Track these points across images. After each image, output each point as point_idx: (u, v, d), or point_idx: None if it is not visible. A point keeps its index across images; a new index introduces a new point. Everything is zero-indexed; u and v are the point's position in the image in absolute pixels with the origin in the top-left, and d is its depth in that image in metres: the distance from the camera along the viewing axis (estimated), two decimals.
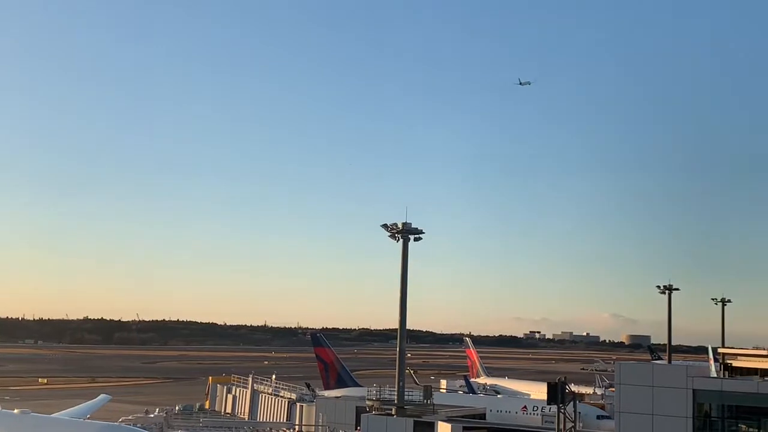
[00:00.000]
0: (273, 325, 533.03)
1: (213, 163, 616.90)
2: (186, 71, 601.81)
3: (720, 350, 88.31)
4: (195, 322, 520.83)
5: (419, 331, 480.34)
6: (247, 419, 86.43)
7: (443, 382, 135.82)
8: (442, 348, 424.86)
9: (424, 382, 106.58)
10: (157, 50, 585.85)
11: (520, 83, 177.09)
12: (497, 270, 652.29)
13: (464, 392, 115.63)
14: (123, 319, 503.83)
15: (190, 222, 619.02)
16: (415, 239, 71.32)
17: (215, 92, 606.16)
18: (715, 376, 75.12)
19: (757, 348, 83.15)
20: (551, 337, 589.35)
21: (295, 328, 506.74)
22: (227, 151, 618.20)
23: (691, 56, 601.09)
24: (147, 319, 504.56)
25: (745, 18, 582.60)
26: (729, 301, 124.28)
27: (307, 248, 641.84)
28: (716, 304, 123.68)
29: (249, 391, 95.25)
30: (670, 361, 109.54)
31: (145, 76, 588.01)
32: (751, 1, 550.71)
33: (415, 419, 67.33)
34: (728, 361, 79.02)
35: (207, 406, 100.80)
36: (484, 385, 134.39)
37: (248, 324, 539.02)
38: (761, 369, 72.87)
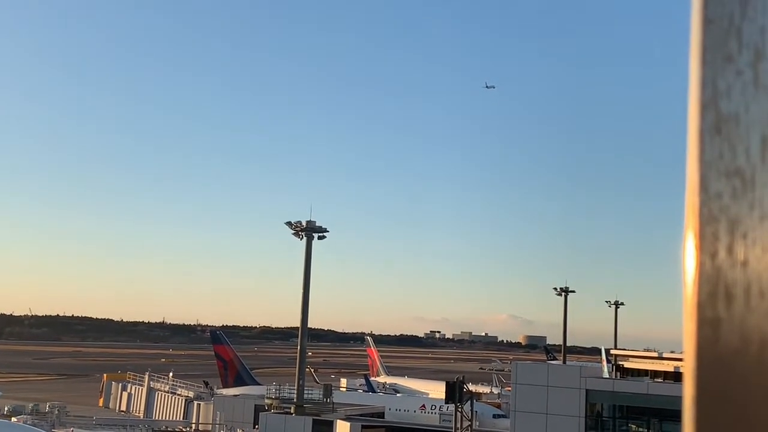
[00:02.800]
0: (171, 322, 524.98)
1: (111, 155, 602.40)
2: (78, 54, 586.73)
3: (612, 351, 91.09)
4: (90, 317, 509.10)
5: (321, 329, 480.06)
6: (142, 417, 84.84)
7: (343, 381, 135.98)
8: (343, 347, 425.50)
9: (325, 381, 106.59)
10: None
11: (486, 87, 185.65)
12: (399, 270, 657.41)
13: (364, 391, 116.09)
14: (15, 314, 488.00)
15: (85, 215, 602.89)
16: (319, 238, 71.37)
17: (111, 78, 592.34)
18: (607, 376, 77.35)
19: (647, 350, 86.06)
20: (451, 336, 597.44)
21: (194, 325, 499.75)
22: (128, 142, 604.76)
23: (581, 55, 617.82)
24: (40, 314, 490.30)
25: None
26: (622, 303, 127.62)
27: (207, 244, 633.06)
28: (610, 306, 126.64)
29: (145, 389, 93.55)
30: (564, 362, 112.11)
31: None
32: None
33: (314, 418, 67.29)
34: (620, 363, 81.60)
35: (101, 404, 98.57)
36: (384, 384, 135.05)
37: (146, 320, 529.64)
38: (651, 370, 75.45)
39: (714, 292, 1.23)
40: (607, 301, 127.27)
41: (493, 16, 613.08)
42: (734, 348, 1.20)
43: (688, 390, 1.25)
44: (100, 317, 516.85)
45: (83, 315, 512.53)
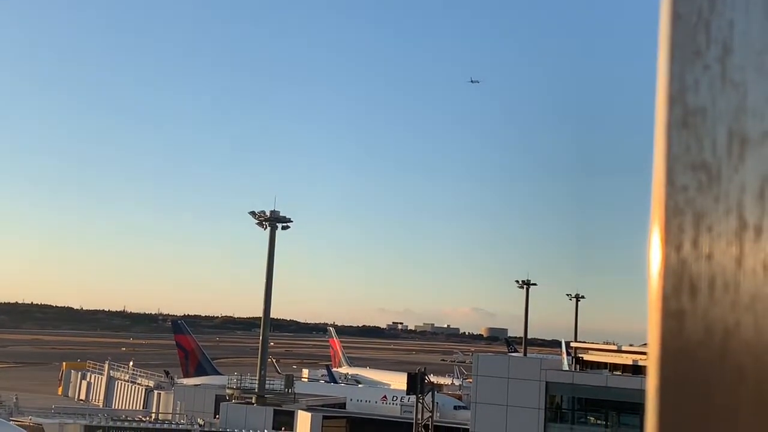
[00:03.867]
0: (132, 311, 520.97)
1: (72, 141, 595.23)
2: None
3: (573, 344, 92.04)
4: (50, 305, 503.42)
5: (283, 319, 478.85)
6: (102, 407, 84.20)
7: (305, 372, 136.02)
8: (305, 337, 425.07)
9: (286, 371, 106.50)
10: None
11: (471, 81, 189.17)
12: (362, 261, 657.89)
13: (326, 382, 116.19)
14: None
15: (45, 201, 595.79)
16: (283, 228, 71.24)
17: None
18: (567, 369, 78.15)
19: (607, 343, 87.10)
20: (413, 328, 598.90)
21: (155, 314, 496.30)
22: (89, 128, 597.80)
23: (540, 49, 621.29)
24: None
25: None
26: (582, 297, 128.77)
27: (169, 233, 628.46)
28: (570, 299, 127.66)
29: (105, 378, 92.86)
30: (525, 354, 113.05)
31: None
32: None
33: (276, 408, 67.27)
34: (580, 355, 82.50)
35: (60, 393, 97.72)
36: (346, 374, 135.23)
37: (106, 309, 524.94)
38: (610, 363, 76.38)
39: (679, 285, 1.25)
40: (567, 294, 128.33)
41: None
42: (698, 339, 1.22)
43: (651, 380, 1.24)
44: (59, 305, 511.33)
45: (43, 303, 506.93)
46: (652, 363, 1.25)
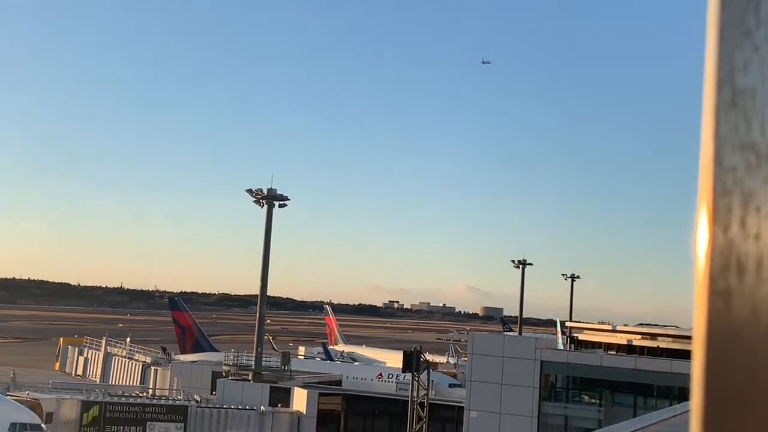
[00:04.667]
0: (129, 288, 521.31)
1: (70, 117, 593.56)
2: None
3: (567, 324, 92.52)
4: (47, 281, 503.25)
5: (280, 297, 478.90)
6: (98, 382, 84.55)
7: (301, 349, 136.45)
8: (302, 315, 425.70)
9: (283, 349, 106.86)
10: None
11: (483, 62, 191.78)
12: (359, 240, 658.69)
13: (322, 359, 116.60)
14: None
15: (43, 178, 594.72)
16: (280, 206, 71.23)
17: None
18: (562, 348, 78.56)
19: (601, 323, 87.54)
20: (409, 307, 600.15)
21: (152, 291, 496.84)
22: (83, 105, 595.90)
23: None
24: None
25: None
26: (578, 277, 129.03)
27: (167, 210, 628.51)
28: (566, 279, 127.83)
29: (102, 354, 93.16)
30: (520, 333, 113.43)
31: None
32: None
33: (272, 385, 67.57)
34: (575, 335, 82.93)
35: (57, 368, 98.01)
36: (342, 352, 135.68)
37: (103, 285, 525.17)
38: (605, 343, 76.81)
39: (726, 265, 1.24)
40: (563, 274, 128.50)
41: None
42: (745, 319, 1.21)
43: (697, 360, 1.23)
44: (57, 281, 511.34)
45: (40, 279, 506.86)
46: (698, 343, 1.24)
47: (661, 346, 70.34)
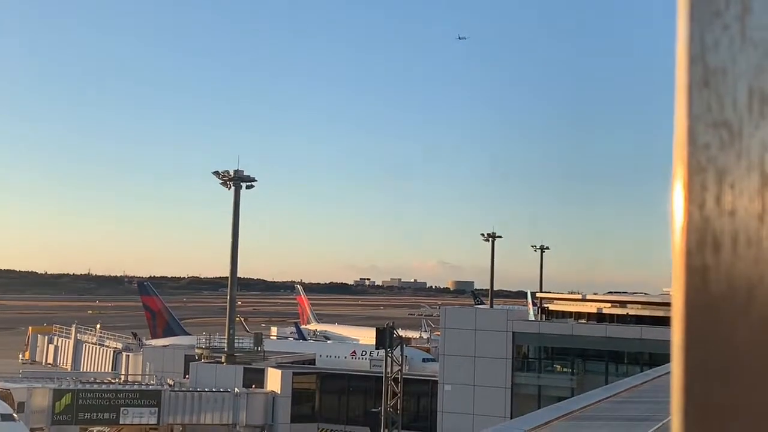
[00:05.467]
0: (97, 274, 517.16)
1: (32, 104, 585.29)
2: None
3: (538, 295, 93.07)
4: (13, 270, 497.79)
5: (250, 278, 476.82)
6: (69, 370, 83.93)
7: (274, 330, 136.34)
8: (273, 296, 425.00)
9: (255, 330, 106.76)
10: None
11: (459, 38, 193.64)
12: (328, 218, 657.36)
13: (295, 339, 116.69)
14: None
15: (7, 164, 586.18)
16: (248, 187, 70.83)
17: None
18: (533, 319, 79.12)
19: (571, 293, 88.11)
20: (380, 284, 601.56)
21: (121, 276, 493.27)
22: (50, 90, 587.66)
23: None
24: None
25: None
26: (547, 248, 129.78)
27: (134, 193, 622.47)
28: (535, 251, 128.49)
29: (72, 341, 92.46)
30: (492, 306, 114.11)
31: None
32: None
33: (245, 366, 67.50)
34: (545, 305, 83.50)
35: (27, 357, 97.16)
36: (315, 331, 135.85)
37: (71, 272, 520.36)
38: (575, 312, 77.46)
39: (702, 241, 1.26)
40: (532, 246, 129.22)
41: None
42: (722, 294, 1.23)
43: (676, 335, 1.25)
44: (23, 270, 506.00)
45: (5, 268, 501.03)
46: (676, 318, 1.26)
47: (630, 314, 71.10)
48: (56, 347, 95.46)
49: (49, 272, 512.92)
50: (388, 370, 60.69)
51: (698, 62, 1.31)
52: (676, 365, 1.24)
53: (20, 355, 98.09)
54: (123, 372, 77.71)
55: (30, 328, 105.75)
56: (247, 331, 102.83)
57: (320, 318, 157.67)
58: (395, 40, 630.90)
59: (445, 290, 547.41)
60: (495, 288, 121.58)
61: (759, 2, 1.30)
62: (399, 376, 60.93)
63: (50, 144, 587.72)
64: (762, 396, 1.18)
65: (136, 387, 63.59)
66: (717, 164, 1.28)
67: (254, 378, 65.57)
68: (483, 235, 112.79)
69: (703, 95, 1.30)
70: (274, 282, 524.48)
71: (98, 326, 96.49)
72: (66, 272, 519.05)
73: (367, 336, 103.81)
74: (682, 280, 1.25)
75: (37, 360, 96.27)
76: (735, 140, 1.28)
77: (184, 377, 68.92)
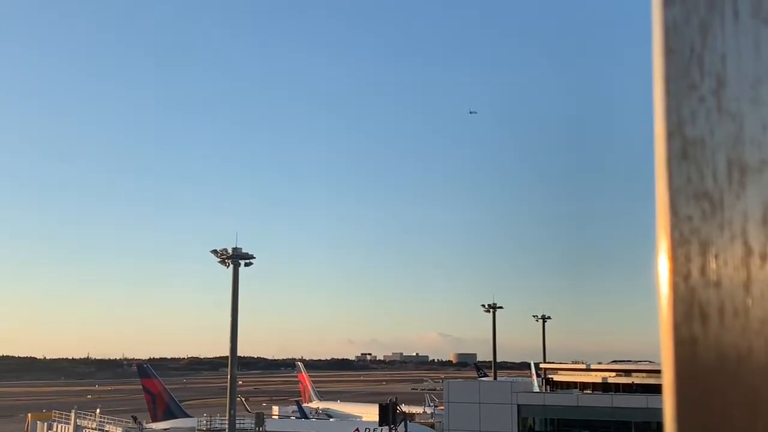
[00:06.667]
0: (96, 357, 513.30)
1: (32, 184, 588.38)
2: None
3: (542, 365, 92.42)
4: (12, 356, 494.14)
5: (250, 357, 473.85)
6: None
7: (275, 408, 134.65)
8: (274, 374, 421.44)
9: (256, 409, 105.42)
10: None
11: (470, 112, 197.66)
12: (327, 294, 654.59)
13: (297, 417, 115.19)
14: None
15: (9, 248, 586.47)
16: (246, 264, 70.74)
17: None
18: (538, 390, 78.34)
19: (575, 362, 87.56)
20: (382, 358, 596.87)
21: (120, 359, 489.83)
22: (39, 161, 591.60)
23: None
24: None
25: None
26: (549, 317, 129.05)
27: (130, 276, 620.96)
28: (537, 320, 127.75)
29: (71, 427, 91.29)
30: (495, 378, 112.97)
31: None
32: None
33: None
34: (549, 376, 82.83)
35: None
36: (317, 409, 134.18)
37: (69, 357, 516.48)
38: (580, 382, 76.79)
39: (689, 313, 1.26)
40: (534, 315, 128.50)
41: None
42: (711, 366, 1.22)
43: (668, 407, 1.26)
44: (22, 356, 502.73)
45: (4, 354, 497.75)
46: (667, 390, 1.26)
47: (636, 382, 70.44)
48: None
49: (48, 357, 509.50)
50: None
51: (676, 134, 1.32)
52: None
53: None
54: None
55: (29, 414, 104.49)
56: (249, 411, 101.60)
57: (322, 395, 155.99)
58: (395, 111, 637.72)
59: (448, 363, 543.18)
60: (498, 359, 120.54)
61: (733, 75, 1.31)
62: None
63: (41, 230, 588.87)
64: None
65: None
66: (700, 235, 1.28)
67: None
68: (484, 306, 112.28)
69: (683, 167, 1.31)
70: (275, 360, 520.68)
71: (98, 411, 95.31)
72: (65, 356, 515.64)
73: (370, 412, 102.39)
74: (671, 351, 1.26)
75: None
76: (717, 211, 1.28)
77: None
